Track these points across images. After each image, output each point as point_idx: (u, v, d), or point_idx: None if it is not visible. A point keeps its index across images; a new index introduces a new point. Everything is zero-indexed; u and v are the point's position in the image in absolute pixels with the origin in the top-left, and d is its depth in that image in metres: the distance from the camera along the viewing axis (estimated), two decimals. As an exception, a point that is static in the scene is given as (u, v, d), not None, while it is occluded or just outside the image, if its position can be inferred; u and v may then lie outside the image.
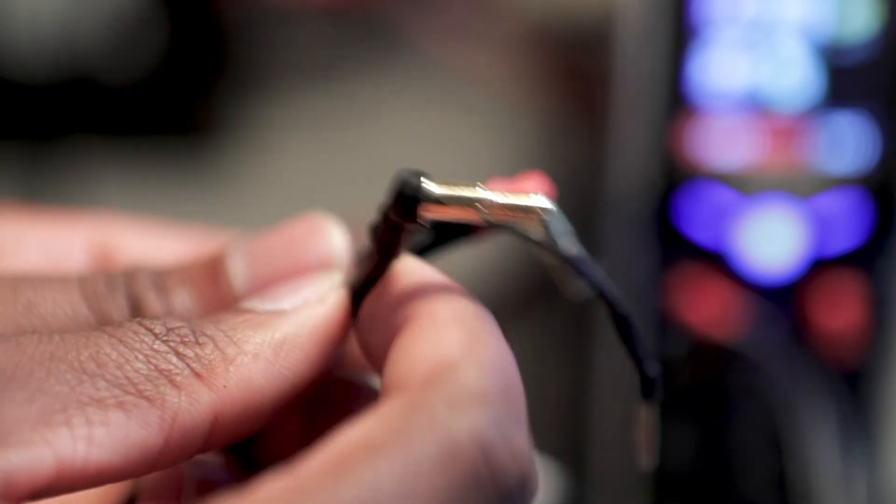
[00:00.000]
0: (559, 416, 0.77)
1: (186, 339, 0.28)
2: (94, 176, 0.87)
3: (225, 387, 0.28)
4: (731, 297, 0.70)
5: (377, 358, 0.29)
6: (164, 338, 0.28)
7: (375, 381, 0.32)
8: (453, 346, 0.27)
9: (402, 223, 0.29)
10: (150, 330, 0.28)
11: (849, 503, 0.68)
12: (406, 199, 0.28)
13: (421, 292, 0.28)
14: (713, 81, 0.70)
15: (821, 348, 0.69)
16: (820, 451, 0.68)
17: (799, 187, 0.70)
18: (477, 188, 0.28)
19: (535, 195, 0.28)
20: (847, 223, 0.70)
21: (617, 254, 0.72)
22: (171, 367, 0.27)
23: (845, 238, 0.70)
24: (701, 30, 0.70)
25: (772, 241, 0.70)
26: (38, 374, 0.26)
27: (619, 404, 0.71)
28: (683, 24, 0.70)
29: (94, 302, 0.30)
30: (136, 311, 0.30)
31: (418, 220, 0.28)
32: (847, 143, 0.70)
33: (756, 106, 0.70)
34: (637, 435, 0.30)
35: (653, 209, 0.70)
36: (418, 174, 0.28)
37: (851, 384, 0.69)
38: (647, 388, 0.29)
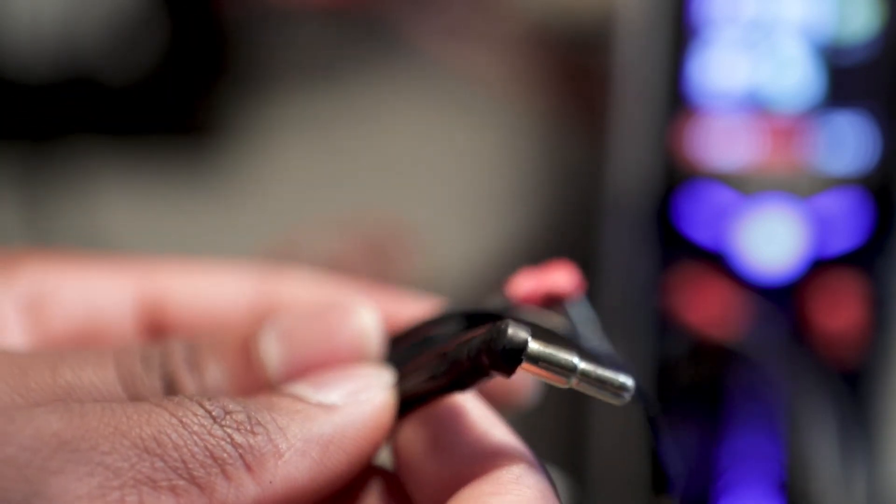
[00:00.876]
0: (559, 421, 0.77)
1: (242, 426, 0.28)
2: (94, 176, 0.87)
3: (271, 482, 0.28)
4: (731, 297, 0.70)
5: (419, 483, 0.30)
6: (222, 422, 0.28)
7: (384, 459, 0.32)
8: None
9: (492, 371, 0.28)
10: (210, 412, 0.28)
11: (849, 503, 0.68)
12: (508, 354, 0.28)
13: (491, 451, 0.29)
14: (713, 81, 0.70)
15: (821, 348, 0.69)
16: (820, 451, 0.68)
17: (799, 187, 0.70)
18: (574, 354, 0.29)
19: (625, 375, 0.29)
20: (847, 223, 0.70)
21: (617, 254, 0.72)
22: (225, 455, 0.28)
23: (845, 238, 0.70)
24: (701, 30, 0.70)
25: (772, 241, 0.70)
26: (102, 448, 0.26)
27: (619, 409, 0.71)
28: (683, 24, 0.70)
29: (129, 383, 0.30)
30: (171, 389, 0.31)
31: (511, 374, 0.28)
32: (847, 143, 0.70)
33: (756, 106, 0.70)
34: None
35: (653, 209, 0.70)
36: (526, 329, 0.28)
37: (851, 384, 0.69)
38: (661, 484, 0.30)
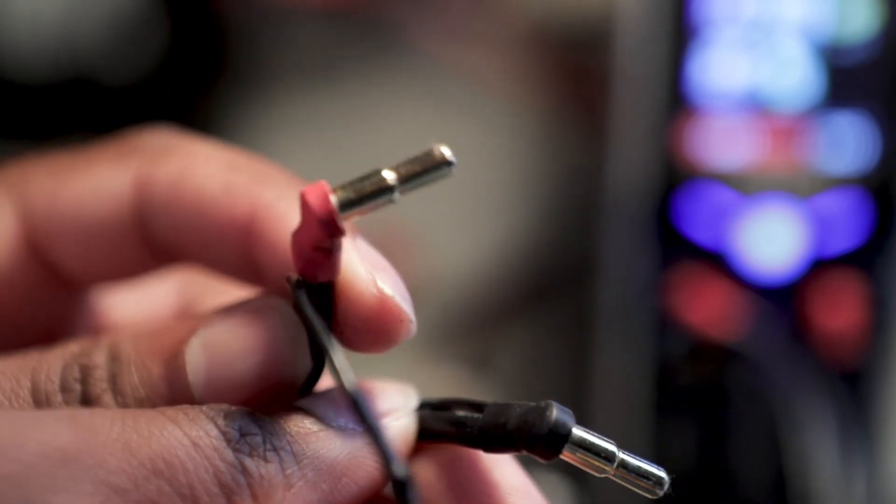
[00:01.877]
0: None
1: (256, 451, 0.27)
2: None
3: None
4: (731, 297, 0.70)
5: None
6: (237, 446, 0.27)
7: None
8: None
9: (532, 452, 0.28)
10: (224, 434, 0.27)
11: (849, 503, 0.68)
12: (552, 438, 0.28)
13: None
14: (713, 81, 0.70)
15: (821, 348, 0.69)
16: (820, 450, 0.68)
17: (799, 187, 0.70)
18: (613, 444, 0.28)
19: (660, 469, 0.29)
20: (847, 223, 0.70)
21: (617, 254, 0.72)
22: (233, 484, 0.27)
23: (845, 238, 0.70)
24: (701, 30, 0.70)
25: (772, 241, 0.70)
26: (108, 466, 0.25)
27: (619, 404, 0.71)
28: (683, 24, 0.70)
29: (43, 402, 0.29)
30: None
31: (550, 459, 0.28)
32: (847, 143, 0.70)
33: (756, 106, 0.70)
34: None
35: (653, 209, 0.70)
36: (570, 414, 0.28)
37: (851, 384, 0.69)
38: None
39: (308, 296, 0.28)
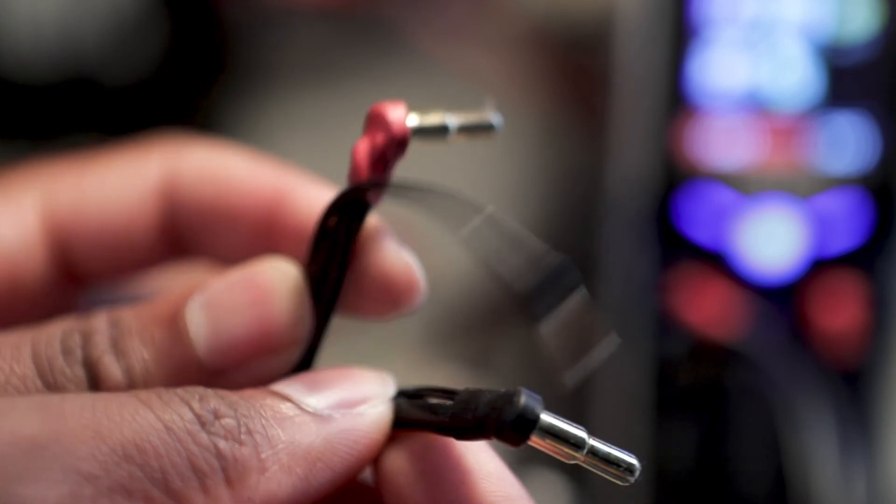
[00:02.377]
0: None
1: (231, 434, 0.27)
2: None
3: (249, 499, 0.27)
4: (731, 297, 0.70)
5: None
6: (210, 428, 0.27)
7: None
8: None
9: (500, 438, 0.28)
10: (198, 416, 0.27)
11: (848, 503, 0.68)
12: (519, 424, 0.27)
13: (487, 498, 0.28)
14: (713, 81, 0.70)
15: (821, 348, 0.69)
16: (820, 451, 0.68)
17: (799, 187, 0.70)
18: (584, 431, 0.28)
19: (630, 455, 0.28)
20: (847, 223, 0.70)
21: (617, 254, 0.72)
22: (207, 467, 0.26)
23: (845, 238, 0.70)
24: (701, 30, 0.70)
25: (772, 241, 0.70)
26: (78, 453, 0.25)
27: (619, 404, 0.71)
28: (683, 24, 0.70)
29: (48, 375, 0.28)
30: (94, 379, 0.29)
31: (518, 444, 0.28)
32: (847, 143, 0.70)
33: (756, 106, 0.70)
34: None
35: (653, 209, 0.70)
36: (538, 401, 0.28)
37: (851, 384, 0.69)
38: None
39: (349, 211, 0.30)
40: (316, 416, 0.28)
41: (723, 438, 0.69)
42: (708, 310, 0.70)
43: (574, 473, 0.74)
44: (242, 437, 0.27)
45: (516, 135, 0.89)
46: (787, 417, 0.68)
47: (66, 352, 0.29)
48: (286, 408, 0.28)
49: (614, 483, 0.28)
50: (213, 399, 0.27)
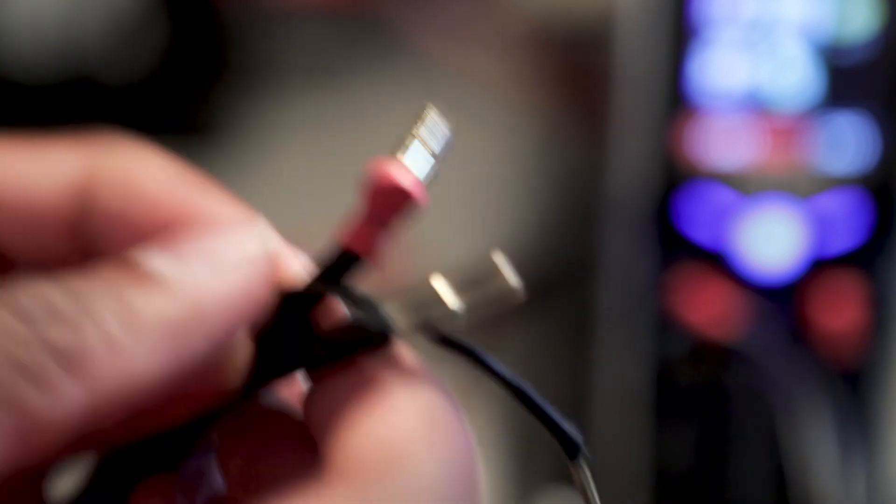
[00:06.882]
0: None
1: (64, 321, 0.24)
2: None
3: (102, 383, 0.24)
4: (731, 297, 0.70)
5: (319, 411, 0.27)
6: (38, 323, 0.23)
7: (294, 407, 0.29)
8: (410, 430, 0.25)
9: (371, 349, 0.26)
10: (22, 314, 0.23)
11: (848, 503, 0.68)
12: (380, 336, 0.26)
13: (382, 371, 0.26)
14: (713, 81, 0.70)
15: (821, 348, 0.69)
16: (820, 451, 0.68)
17: (799, 187, 0.70)
18: (441, 296, 0.26)
19: (507, 275, 0.26)
20: (847, 223, 0.70)
21: (617, 254, 0.72)
22: (35, 363, 0.23)
23: (845, 238, 0.70)
24: (701, 30, 0.70)
25: (772, 241, 0.70)
26: None
27: (619, 404, 0.71)
28: (683, 24, 0.70)
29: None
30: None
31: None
32: (847, 143, 0.70)
33: (756, 106, 0.70)
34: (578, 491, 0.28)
35: (653, 209, 0.70)
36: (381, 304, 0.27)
37: (851, 384, 0.69)
38: (570, 450, 0.27)
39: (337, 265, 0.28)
40: (177, 281, 0.25)
41: (723, 438, 0.69)
42: (708, 310, 0.70)
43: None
44: (82, 321, 0.24)
45: (516, 135, 0.89)
46: (787, 417, 0.68)
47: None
48: (133, 276, 0.25)
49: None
50: (42, 287, 0.24)
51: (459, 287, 0.26)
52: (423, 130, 0.28)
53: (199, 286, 0.25)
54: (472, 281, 0.26)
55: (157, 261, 0.26)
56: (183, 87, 0.89)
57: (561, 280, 0.83)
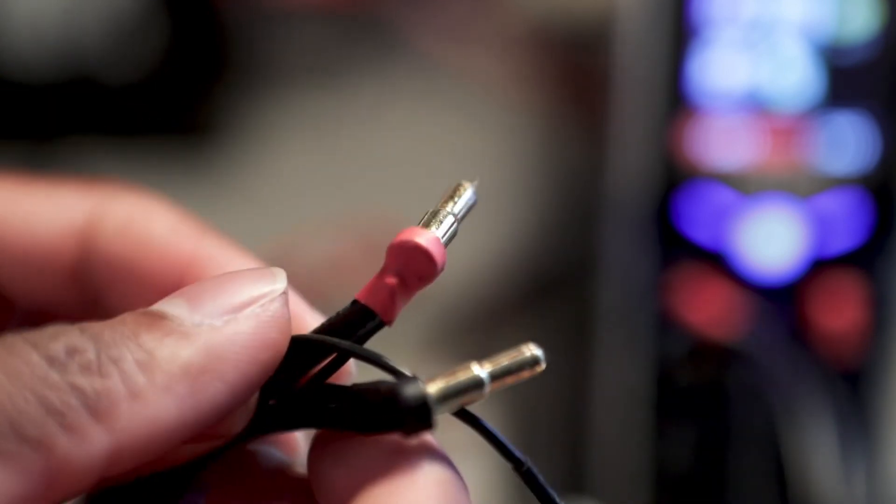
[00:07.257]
0: (559, 417, 0.77)
1: (88, 367, 0.24)
2: (94, 176, 0.87)
3: (125, 428, 0.24)
4: (731, 297, 0.70)
5: (328, 472, 0.27)
6: (64, 368, 0.24)
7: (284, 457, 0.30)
8: None
9: (405, 433, 0.26)
10: (49, 359, 0.24)
11: (849, 503, 0.68)
12: (417, 412, 0.26)
13: (404, 448, 0.26)
14: (713, 81, 0.70)
15: (821, 348, 0.69)
16: (820, 450, 0.68)
17: (799, 187, 0.70)
18: (468, 368, 0.27)
19: (528, 348, 0.27)
20: (847, 223, 0.70)
21: (617, 254, 0.72)
22: (64, 406, 0.24)
23: (845, 238, 0.70)
24: (701, 30, 0.70)
25: (772, 241, 0.70)
26: None
27: (619, 404, 0.71)
28: (683, 24, 0.70)
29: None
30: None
31: (428, 428, 0.26)
32: (847, 143, 0.70)
33: (756, 106, 0.70)
34: None
35: (653, 209, 0.70)
36: (415, 379, 0.26)
37: (851, 384, 0.69)
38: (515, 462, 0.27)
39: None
40: (195, 328, 0.26)
41: (723, 438, 0.69)
42: (708, 310, 0.70)
43: (572, 463, 0.74)
44: (104, 368, 0.25)
45: (516, 135, 0.89)
46: (787, 417, 0.68)
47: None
48: (160, 325, 0.26)
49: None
50: (65, 335, 0.25)
51: (493, 374, 0.27)
52: (456, 206, 0.29)
53: (215, 332, 0.26)
54: (504, 368, 0.27)
55: (174, 308, 0.26)
56: (183, 87, 0.89)
57: (561, 280, 0.83)
